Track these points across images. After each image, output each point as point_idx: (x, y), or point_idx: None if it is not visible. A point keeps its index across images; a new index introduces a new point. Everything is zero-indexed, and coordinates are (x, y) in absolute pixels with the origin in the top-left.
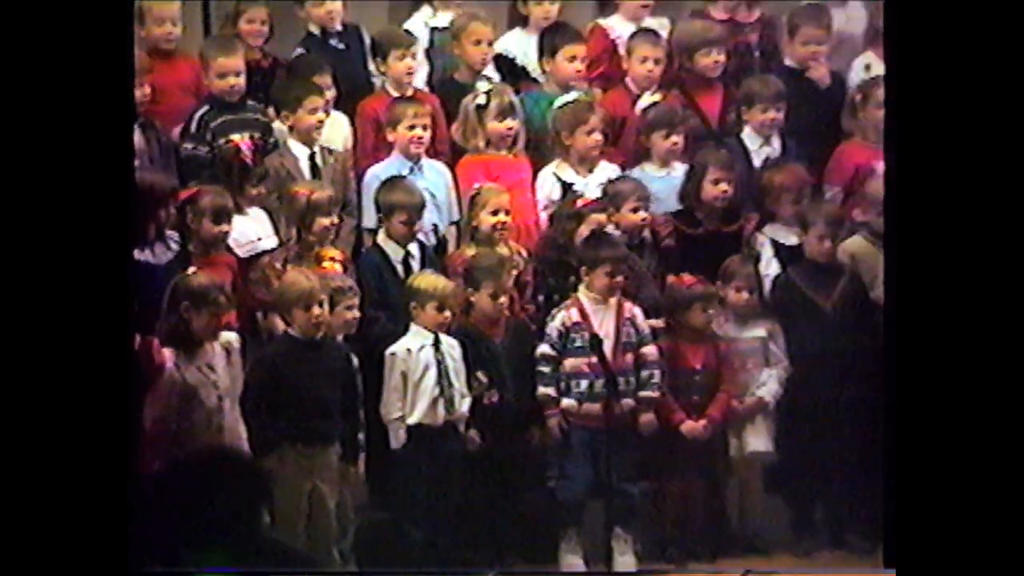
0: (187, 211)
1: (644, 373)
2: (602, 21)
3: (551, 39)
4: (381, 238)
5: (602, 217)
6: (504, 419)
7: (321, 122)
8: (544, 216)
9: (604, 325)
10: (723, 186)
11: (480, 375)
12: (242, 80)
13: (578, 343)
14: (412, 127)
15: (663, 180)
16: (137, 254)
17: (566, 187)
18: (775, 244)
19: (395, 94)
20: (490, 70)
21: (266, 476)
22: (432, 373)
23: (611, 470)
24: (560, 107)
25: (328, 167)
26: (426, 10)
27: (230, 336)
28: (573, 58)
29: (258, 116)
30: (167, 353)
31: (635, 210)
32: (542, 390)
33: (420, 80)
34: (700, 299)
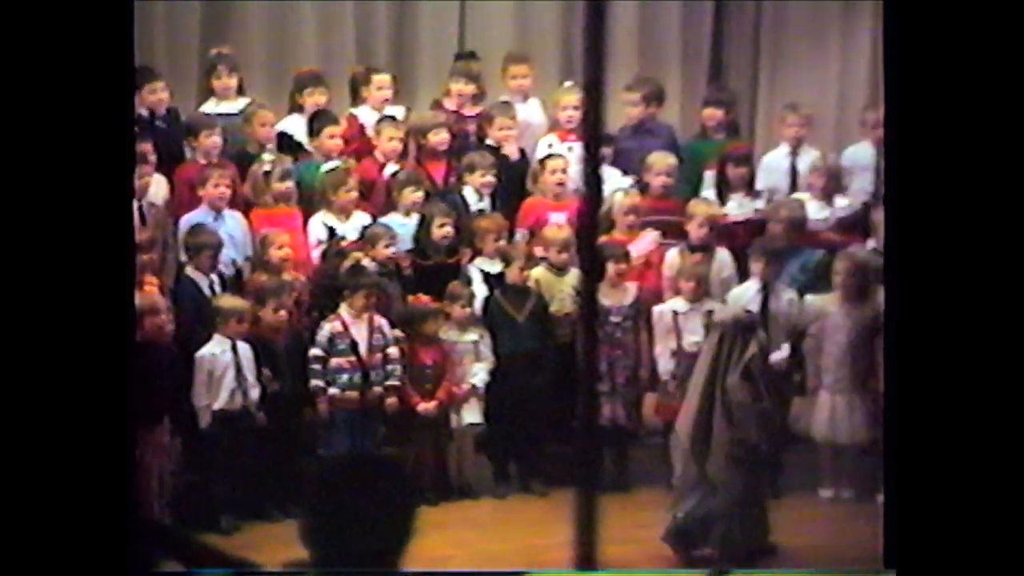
0: None
1: (389, 368)
2: (354, 110)
3: (318, 122)
4: (189, 270)
5: (360, 254)
6: (285, 404)
7: (148, 182)
8: (315, 253)
9: (360, 333)
10: (447, 230)
11: (267, 371)
12: None
13: (341, 346)
14: (217, 186)
15: (405, 226)
16: None
17: (331, 231)
18: (484, 272)
19: (203, 162)
20: (272, 145)
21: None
22: (231, 371)
23: (365, 440)
24: (326, 172)
25: (151, 217)
26: (212, 101)
27: None
28: (332, 136)
29: None
30: None
31: (386, 247)
32: (313, 382)
33: (219, 152)
34: (431, 313)
